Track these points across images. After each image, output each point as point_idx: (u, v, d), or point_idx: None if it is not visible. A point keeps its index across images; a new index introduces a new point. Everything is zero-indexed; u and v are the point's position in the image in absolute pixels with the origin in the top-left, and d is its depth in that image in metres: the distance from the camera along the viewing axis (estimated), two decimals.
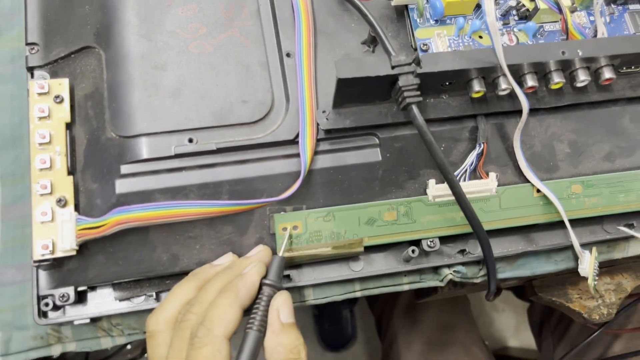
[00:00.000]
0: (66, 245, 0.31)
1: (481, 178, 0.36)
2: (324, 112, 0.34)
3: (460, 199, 0.32)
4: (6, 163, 0.36)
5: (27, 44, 0.36)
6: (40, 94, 0.34)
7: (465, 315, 0.67)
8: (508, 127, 0.36)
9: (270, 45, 0.36)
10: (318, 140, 0.35)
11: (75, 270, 0.33)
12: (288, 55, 0.36)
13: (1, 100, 0.38)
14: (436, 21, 0.36)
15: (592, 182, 0.37)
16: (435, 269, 0.37)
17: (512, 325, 1.20)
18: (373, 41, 0.36)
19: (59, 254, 0.32)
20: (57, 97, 0.34)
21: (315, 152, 0.34)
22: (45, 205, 0.32)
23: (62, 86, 0.35)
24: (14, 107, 0.38)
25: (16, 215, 0.36)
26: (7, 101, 0.38)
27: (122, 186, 0.32)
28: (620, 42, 0.33)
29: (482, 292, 0.55)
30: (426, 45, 0.36)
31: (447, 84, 0.34)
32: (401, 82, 0.31)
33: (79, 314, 0.33)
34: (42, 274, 0.33)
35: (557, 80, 0.34)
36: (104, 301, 0.34)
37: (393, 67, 0.31)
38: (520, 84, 0.34)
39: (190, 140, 0.33)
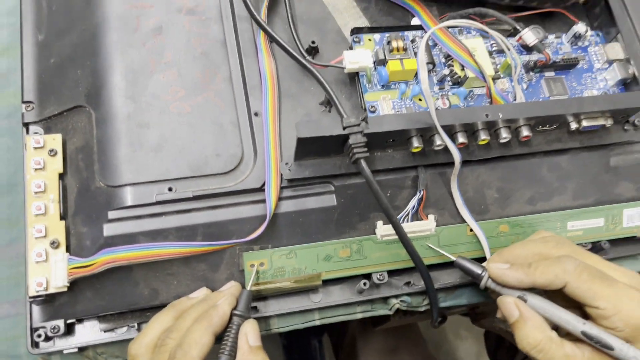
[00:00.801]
0: (58, 283, 0.36)
1: (422, 219, 0.42)
2: (286, 164, 0.40)
3: (402, 238, 0.38)
4: (2, 208, 0.41)
5: (24, 102, 0.41)
6: (36, 148, 0.39)
7: (409, 339, 0.72)
8: (444, 176, 0.42)
9: (240, 106, 0.41)
10: (282, 188, 0.40)
11: (65, 304, 0.37)
12: (256, 114, 0.41)
13: None
14: (382, 86, 0.42)
15: (517, 223, 0.43)
16: (385, 299, 0.43)
17: (473, 352, 1.25)
18: (329, 103, 0.42)
19: (51, 290, 0.36)
20: (51, 150, 0.39)
21: (279, 199, 0.40)
22: (40, 247, 0.37)
23: (55, 141, 0.39)
24: (10, 158, 0.42)
25: (11, 256, 0.40)
26: (3, 152, 0.42)
27: (109, 229, 0.37)
28: (534, 106, 0.40)
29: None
30: (374, 107, 0.42)
31: (391, 140, 0.40)
32: (351, 140, 0.37)
33: (67, 344, 0.37)
34: (35, 308, 0.37)
35: (484, 137, 0.40)
36: (90, 331, 0.38)
37: (344, 128, 0.37)
38: (453, 140, 0.40)
39: (170, 189, 0.38)
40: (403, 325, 0.72)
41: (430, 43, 0.44)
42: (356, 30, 0.44)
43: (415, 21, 0.45)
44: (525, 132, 0.41)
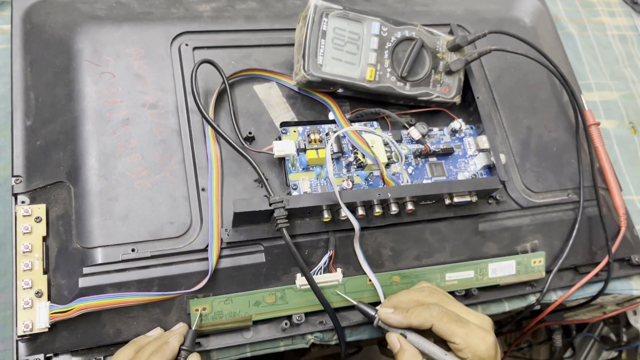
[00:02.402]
0: (41, 325, 0.45)
1: (332, 272, 0.54)
2: (226, 230, 0.51)
3: (314, 289, 0.50)
4: None
5: (13, 176, 0.51)
6: (25, 216, 0.49)
7: None
8: (350, 238, 0.54)
9: (190, 182, 0.53)
10: (221, 249, 0.51)
11: (46, 342, 0.47)
12: (203, 190, 0.52)
13: None
14: (303, 169, 0.55)
15: (406, 275, 0.56)
16: (302, 335, 0.54)
17: None
18: (261, 181, 0.54)
19: (36, 331, 0.45)
20: (37, 218, 0.49)
21: (220, 257, 0.51)
22: (27, 297, 0.46)
23: (40, 210, 0.49)
24: (0, 221, 0.52)
25: (0, 302, 0.49)
26: None
27: (83, 282, 0.47)
28: (415, 188, 0.53)
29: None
30: (296, 185, 0.54)
31: (308, 212, 0.52)
32: (276, 214, 0.49)
33: None
34: (22, 345, 0.46)
35: (378, 210, 0.53)
36: None
37: (270, 204, 0.49)
38: (354, 212, 0.52)
39: (133, 250, 0.49)
40: (331, 355, 0.83)
41: (341, 135, 0.56)
42: (284, 124, 0.56)
43: (331, 116, 0.58)
44: (409, 206, 0.54)
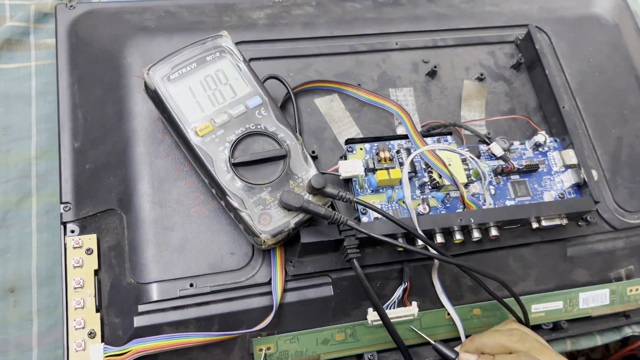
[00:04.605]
0: None
1: (406, 306, 0.48)
2: (290, 261, 0.46)
3: (387, 326, 0.44)
4: (42, 298, 0.47)
5: (62, 202, 0.47)
6: (75, 248, 0.45)
7: None
8: (427, 268, 0.49)
9: None
10: (286, 281, 0.46)
11: None
12: None
13: (39, 246, 0.48)
14: (372, 191, 0.50)
15: (487, 307, 0.50)
16: None
17: None
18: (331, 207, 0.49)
19: None
20: (88, 249, 0.45)
21: (284, 291, 0.46)
22: (79, 338, 0.42)
23: (91, 240, 0.46)
24: (48, 252, 0.48)
25: (49, 341, 0.45)
26: (42, 247, 0.48)
27: (139, 321, 0.43)
28: (501, 212, 0.47)
29: None
30: (365, 209, 0.49)
31: (380, 240, 0.46)
32: (346, 242, 0.44)
33: None
34: None
35: (459, 237, 0.47)
36: None
37: (340, 232, 0.44)
38: (433, 239, 0.47)
39: (191, 285, 0.45)
40: None
41: (412, 151, 0.51)
42: (349, 141, 0.51)
43: (400, 129, 0.53)
44: (493, 232, 0.48)
